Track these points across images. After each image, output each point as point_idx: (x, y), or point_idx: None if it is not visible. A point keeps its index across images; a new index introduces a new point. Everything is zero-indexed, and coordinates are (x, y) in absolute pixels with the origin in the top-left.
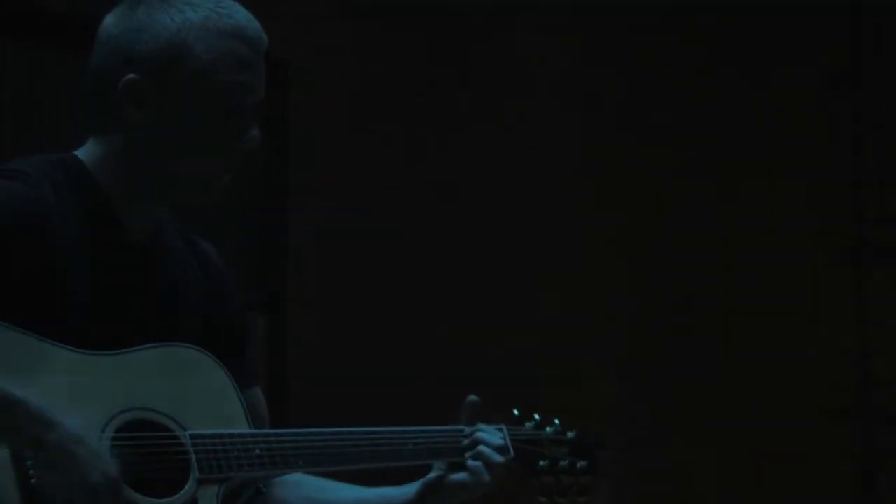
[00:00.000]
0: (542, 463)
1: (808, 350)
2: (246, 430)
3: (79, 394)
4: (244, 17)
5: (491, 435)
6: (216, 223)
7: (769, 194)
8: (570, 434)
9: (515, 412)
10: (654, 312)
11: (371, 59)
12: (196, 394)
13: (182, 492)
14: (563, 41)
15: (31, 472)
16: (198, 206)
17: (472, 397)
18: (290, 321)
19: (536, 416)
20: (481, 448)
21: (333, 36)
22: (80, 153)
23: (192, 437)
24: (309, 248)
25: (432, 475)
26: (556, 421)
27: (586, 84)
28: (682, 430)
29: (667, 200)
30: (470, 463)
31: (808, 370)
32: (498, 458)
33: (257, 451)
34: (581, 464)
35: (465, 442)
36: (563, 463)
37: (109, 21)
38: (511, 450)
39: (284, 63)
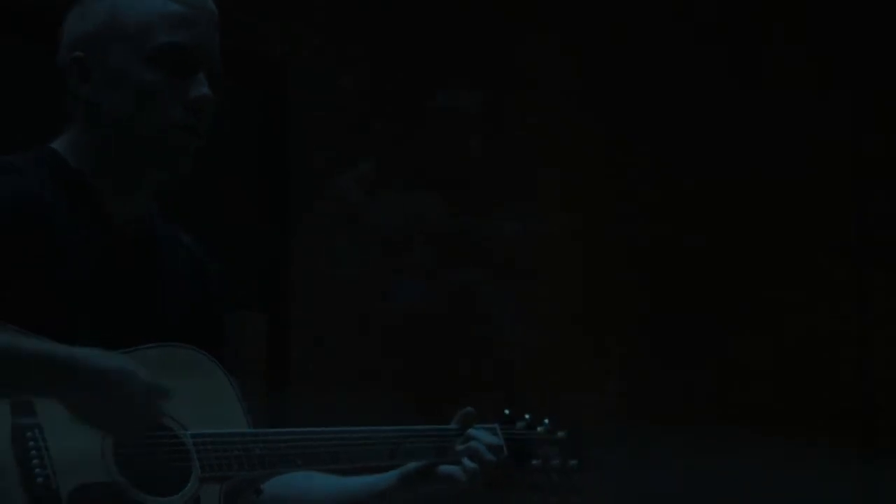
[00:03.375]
0: (534, 462)
1: (809, 350)
2: (246, 429)
3: None
4: None
5: (485, 434)
6: (217, 223)
7: (769, 194)
8: (560, 434)
9: (506, 412)
10: (655, 313)
11: (371, 58)
12: (196, 394)
13: (184, 490)
14: (563, 50)
15: (36, 471)
16: (175, 177)
17: (468, 408)
18: (291, 321)
19: (527, 416)
20: (476, 445)
21: (333, 36)
22: (55, 144)
23: (194, 436)
24: (309, 247)
25: (414, 464)
26: (546, 421)
27: (586, 82)
28: (683, 430)
29: (668, 201)
30: (465, 461)
31: (807, 370)
32: (491, 456)
33: (258, 451)
34: (572, 462)
35: (460, 441)
36: (555, 462)
37: (66, 20)
38: (505, 448)
39: (284, 63)
